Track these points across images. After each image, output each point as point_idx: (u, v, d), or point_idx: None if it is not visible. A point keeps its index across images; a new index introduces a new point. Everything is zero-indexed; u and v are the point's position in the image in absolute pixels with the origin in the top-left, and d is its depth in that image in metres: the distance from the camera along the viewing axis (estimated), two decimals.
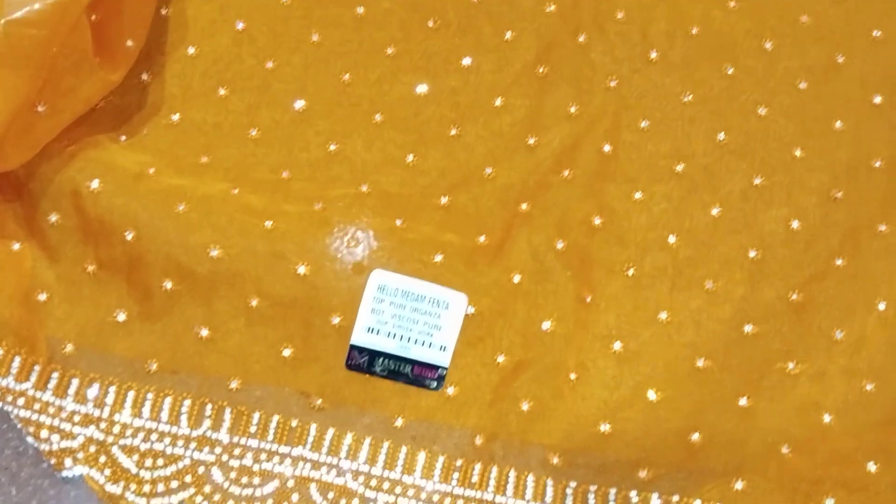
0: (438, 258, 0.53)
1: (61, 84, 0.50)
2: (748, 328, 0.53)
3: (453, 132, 0.57)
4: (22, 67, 0.47)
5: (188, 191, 0.53)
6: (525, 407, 0.52)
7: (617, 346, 0.53)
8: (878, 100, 0.57)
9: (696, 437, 0.52)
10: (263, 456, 0.52)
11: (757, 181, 0.56)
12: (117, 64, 0.53)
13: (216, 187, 0.53)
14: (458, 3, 0.58)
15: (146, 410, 0.52)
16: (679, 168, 0.56)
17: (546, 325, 0.53)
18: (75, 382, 0.52)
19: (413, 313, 0.53)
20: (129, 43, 0.53)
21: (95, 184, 0.52)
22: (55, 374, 0.52)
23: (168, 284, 0.52)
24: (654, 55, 0.58)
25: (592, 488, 0.52)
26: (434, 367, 0.53)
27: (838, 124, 0.57)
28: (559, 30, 0.58)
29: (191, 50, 0.56)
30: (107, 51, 0.52)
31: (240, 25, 0.57)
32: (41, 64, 0.48)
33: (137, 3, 0.54)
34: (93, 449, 0.51)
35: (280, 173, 0.55)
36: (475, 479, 0.52)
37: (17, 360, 0.51)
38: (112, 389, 0.52)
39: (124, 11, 0.53)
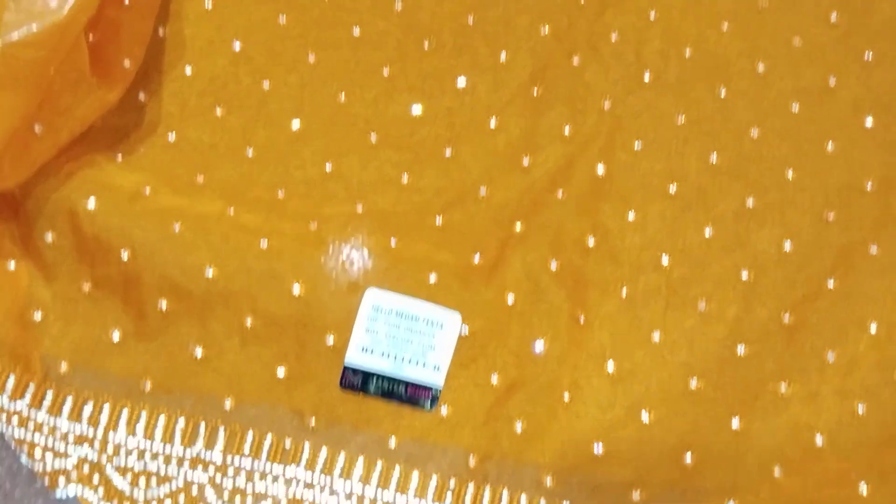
0: (433, 277, 0.53)
1: (59, 103, 0.50)
2: (741, 348, 0.54)
3: (448, 152, 0.57)
4: (20, 87, 0.47)
5: (184, 210, 0.53)
6: (519, 427, 0.53)
7: (611, 365, 0.53)
8: (869, 122, 0.58)
9: (689, 457, 0.52)
10: (257, 476, 0.52)
11: (750, 202, 0.56)
12: (114, 83, 0.53)
13: (212, 207, 0.54)
14: (454, 24, 0.58)
15: (140, 429, 0.52)
16: (672, 188, 0.56)
17: (540, 344, 0.54)
18: (69, 401, 0.52)
19: (407, 333, 0.53)
20: (127, 62, 0.54)
21: (91, 203, 0.52)
22: (49, 393, 0.52)
23: (163, 304, 0.52)
24: (647, 76, 0.58)
25: None
26: (428, 388, 0.53)
27: (830, 146, 0.57)
28: (554, 51, 0.58)
29: (188, 69, 0.57)
30: (104, 70, 0.52)
31: (237, 45, 0.57)
32: (39, 84, 0.48)
33: (135, 22, 0.54)
34: (86, 469, 0.51)
35: (276, 192, 0.55)
36: (468, 499, 0.52)
37: (12, 378, 0.52)
38: (106, 407, 0.52)
39: (122, 31, 0.53)
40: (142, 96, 0.56)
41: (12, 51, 0.46)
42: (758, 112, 0.58)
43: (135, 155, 0.55)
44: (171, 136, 0.56)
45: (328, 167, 0.56)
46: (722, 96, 0.58)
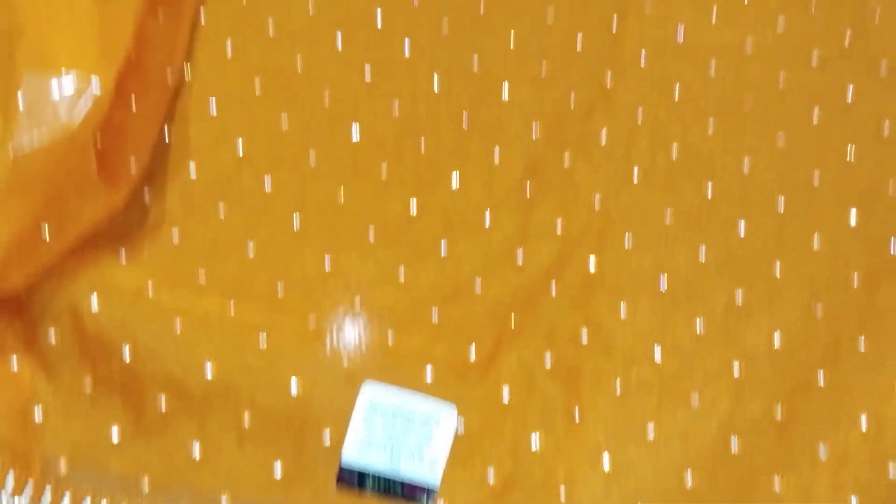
0: (429, 373, 0.54)
1: (66, 207, 0.52)
2: (734, 444, 0.54)
3: (444, 248, 0.58)
4: (29, 194, 0.49)
5: (185, 308, 0.54)
6: None
7: (606, 461, 0.54)
8: (853, 217, 0.59)
9: None
10: None
11: (738, 297, 0.57)
12: (121, 186, 0.55)
13: (212, 304, 0.55)
14: (449, 126, 0.60)
15: None
16: (663, 284, 0.58)
17: (535, 441, 0.54)
18: (67, 498, 0.52)
19: (404, 429, 0.53)
20: (133, 165, 0.55)
21: (95, 302, 0.53)
22: (48, 490, 0.52)
23: (163, 402, 0.53)
24: (636, 175, 0.60)
25: None
26: (424, 485, 0.53)
27: (816, 241, 0.59)
28: (545, 151, 0.60)
29: (192, 170, 0.59)
30: (110, 173, 0.54)
31: (240, 147, 0.59)
32: (48, 190, 0.50)
33: (141, 127, 0.56)
34: None
35: (276, 289, 0.57)
36: None
37: (12, 475, 0.52)
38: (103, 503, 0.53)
39: (128, 136, 0.55)
40: (146, 196, 0.58)
41: (23, 161, 0.48)
42: (744, 209, 0.59)
43: (138, 254, 0.56)
44: (175, 236, 0.57)
45: (327, 264, 0.58)
46: (708, 193, 0.60)
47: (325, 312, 0.56)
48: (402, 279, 0.58)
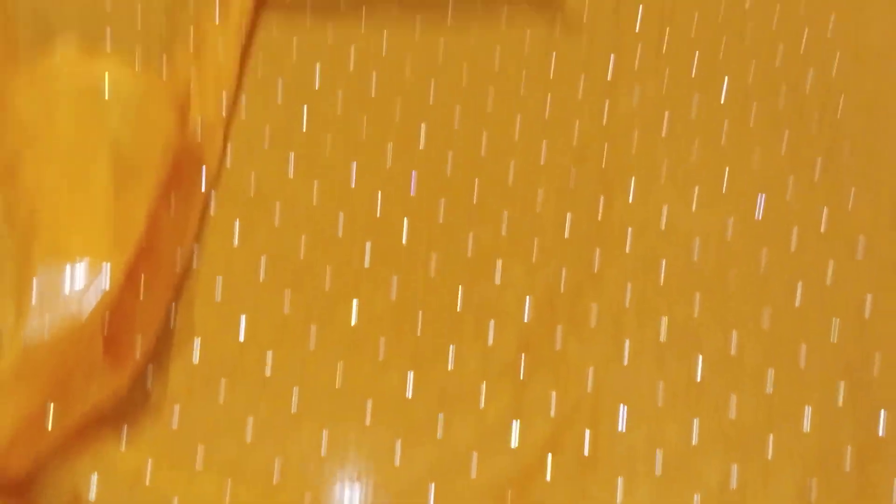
0: None
1: (70, 390, 0.53)
2: None
3: (440, 429, 0.59)
4: (37, 381, 0.51)
5: (183, 492, 0.54)
6: None
7: None
8: (841, 394, 0.60)
9: None
10: None
11: (733, 477, 0.58)
12: (125, 370, 0.57)
13: (210, 486, 0.55)
14: (446, 307, 0.63)
15: None
16: (657, 465, 0.58)
17: None
18: None
19: None
20: (138, 350, 0.57)
21: (93, 488, 0.54)
22: None
23: None
24: (626, 353, 0.62)
25: None
26: None
27: (806, 421, 0.59)
28: (537, 329, 0.62)
29: (195, 353, 0.60)
30: (116, 358, 0.56)
31: (242, 332, 0.61)
32: (54, 376, 0.52)
33: (148, 313, 0.59)
34: None
35: (272, 470, 0.57)
36: None
37: None
38: None
39: (134, 322, 0.57)
40: (149, 379, 0.59)
41: (33, 353, 0.50)
42: (733, 387, 0.60)
43: (139, 436, 0.57)
44: (175, 418, 0.58)
45: (324, 445, 0.58)
46: (697, 371, 0.61)
47: (321, 491, 0.56)
48: (398, 458, 0.58)
